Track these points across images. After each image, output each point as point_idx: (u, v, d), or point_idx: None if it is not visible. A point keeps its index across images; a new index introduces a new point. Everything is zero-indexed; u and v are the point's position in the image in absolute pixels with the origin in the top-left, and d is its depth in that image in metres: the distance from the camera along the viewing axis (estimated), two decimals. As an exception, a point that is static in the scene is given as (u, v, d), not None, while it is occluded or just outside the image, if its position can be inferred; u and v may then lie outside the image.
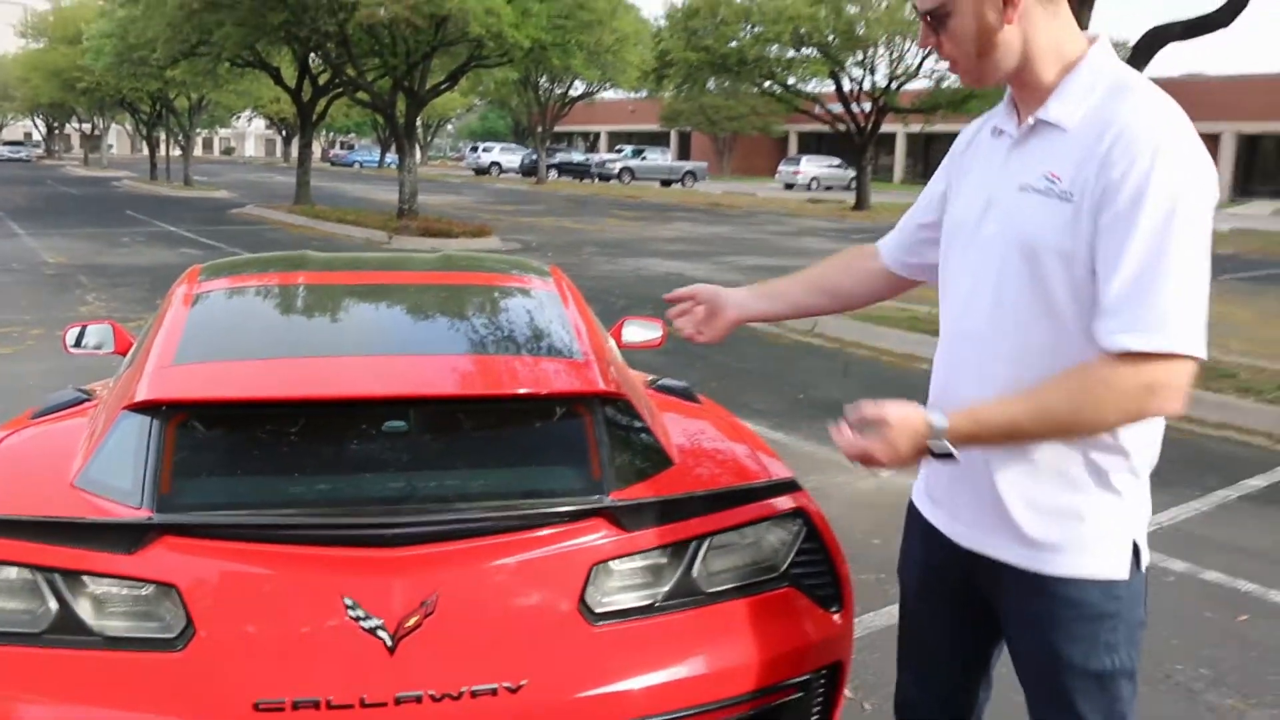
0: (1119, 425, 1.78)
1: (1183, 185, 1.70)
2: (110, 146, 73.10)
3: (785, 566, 2.48)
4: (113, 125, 64.10)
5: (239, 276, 3.57)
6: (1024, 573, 1.89)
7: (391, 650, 2.09)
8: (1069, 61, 1.84)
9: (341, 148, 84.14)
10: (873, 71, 33.87)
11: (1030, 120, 1.86)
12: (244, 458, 2.54)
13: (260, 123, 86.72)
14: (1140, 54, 10.42)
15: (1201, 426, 7.78)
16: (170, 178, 42.86)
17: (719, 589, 2.39)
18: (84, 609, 2.13)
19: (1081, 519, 1.85)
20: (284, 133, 70.94)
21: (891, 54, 33.57)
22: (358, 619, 2.10)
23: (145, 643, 2.12)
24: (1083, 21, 9.93)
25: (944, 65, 27.67)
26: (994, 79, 1.89)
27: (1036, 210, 1.81)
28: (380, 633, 2.09)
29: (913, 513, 2.18)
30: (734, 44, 32.45)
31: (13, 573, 2.15)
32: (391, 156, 70.23)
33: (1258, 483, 6.47)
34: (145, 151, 48.95)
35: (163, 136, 45.44)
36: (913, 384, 8.83)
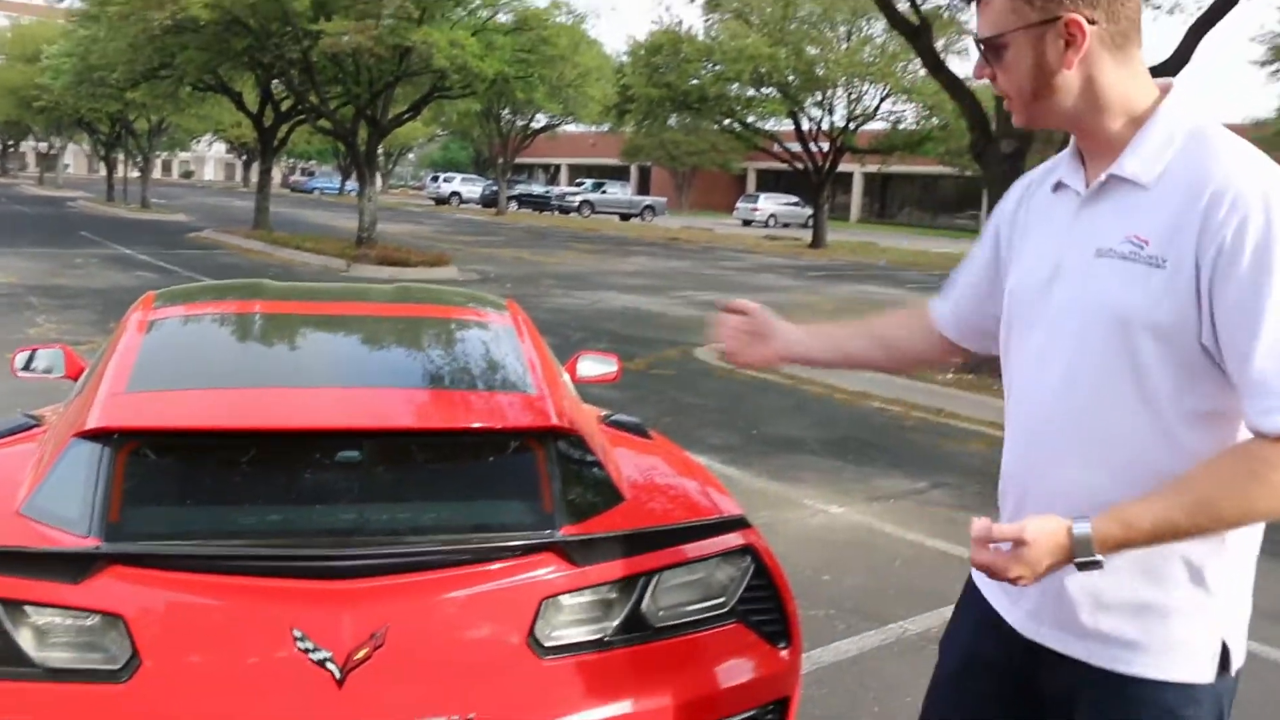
0: None
1: None
2: (67, 166, 72.33)
3: (734, 603, 2.51)
4: (70, 145, 63.46)
5: (195, 304, 3.57)
6: (1093, 669, 1.72)
7: (340, 683, 2.10)
8: (1140, 113, 1.68)
9: (302, 174, 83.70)
10: (831, 112, 34.30)
11: (1102, 176, 1.70)
12: (195, 488, 2.54)
13: (221, 147, 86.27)
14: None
15: None
16: (127, 199, 42.43)
17: (668, 624, 2.41)
18: (25, 639, 2.11)
19: (1164, 616, 1.67)
20: (244, 157, 70.57)
21: (850, 95, 34.01)
22: (307, 651, 2.10)
23: (89, 674, 2.10)
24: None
25: (902, 108, 27.80)
26: (1050, 123, 1.76)
27: (1120, 278, 1.63)
28: (329, 665, 2.10)
29: (970, 593, 1.98)
30: (695, 81, 32.71)
31: None
32: (352, 184, 69.92)
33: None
34: (102, 172, 48.47)
35: (121, 158, 45.06)
36: (864, 420, 8.93)
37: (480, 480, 2.67)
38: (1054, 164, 1.88)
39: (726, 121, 35.44)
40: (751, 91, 33.65)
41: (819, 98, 33.93)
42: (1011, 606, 1.83)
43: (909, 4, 11.86)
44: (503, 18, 23.16)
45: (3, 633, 2.10)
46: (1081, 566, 1.58)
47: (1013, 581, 1.58)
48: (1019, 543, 1.57)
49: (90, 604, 2.11)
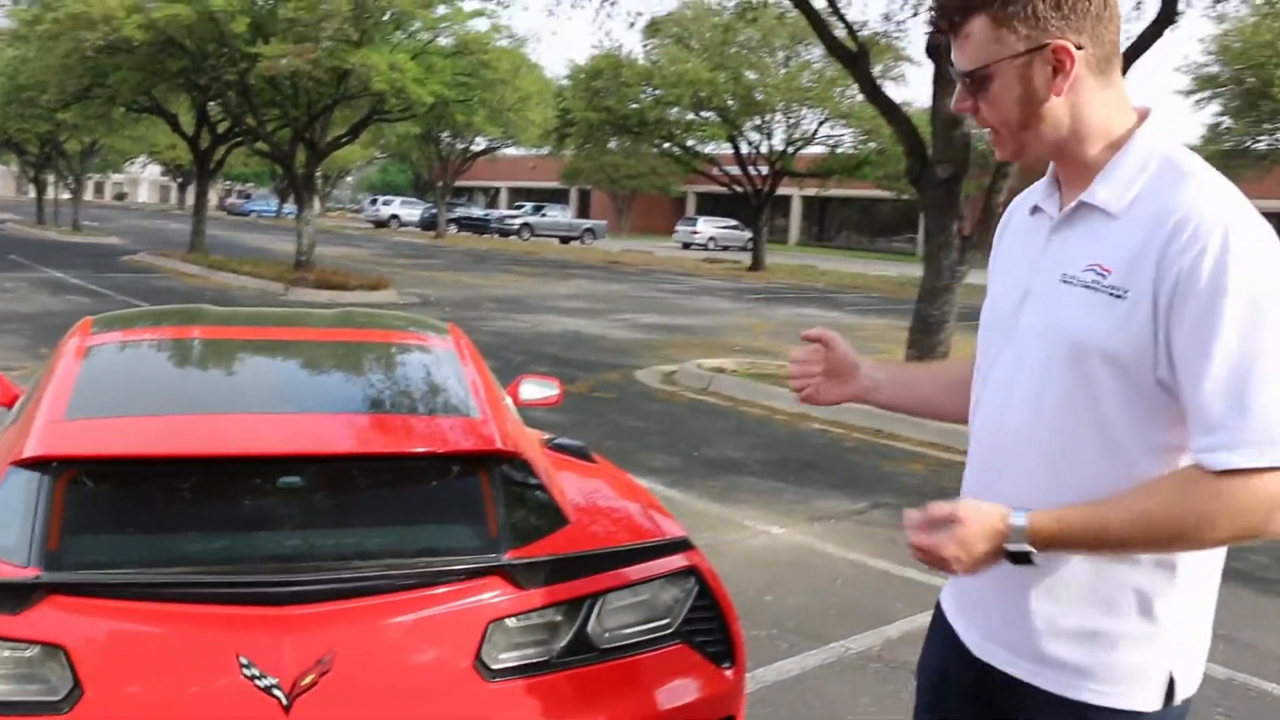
0: (1230, 543, 1.59)
1: (1260, 274, 1.52)
2: (-6, 188, 70.96)
3: (678, 624, 2.54)
4: (-2, 166, 62.33)
5: (134, 329, 3.54)
6: (1045, 694, 1.73)
7: (287, 709, 2.09)
8: (1118, 138, 1.67)
9: (238, 196, 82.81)
10: (770, 136, 34.62)
11: (1073, 203, 1.70)
12: (136, 515, 2.52)
13: (155, 169, 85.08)
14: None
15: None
16: (58, 222, 41.72)
17: (613, 645, 2.44)
18: None
19: (1112, 645, 1.68)
20: (179, 179, 69.72)
21: (788, 119, 34.36)
22: (253, 678, 2.10)
23: (28, 706, 2.08)
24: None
25: (840, 133, 28.08)
26: (1036, 154, 1.73)
27: (1081, 306, 1.64)
28: (275, 691, 2.10)
29: (938, 616, 1.99)
30: (635, 105, 32.92)
31: None
32: (289, 206, 69.38)
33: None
34: (31, 194, 47.59)
35: (51, 179, 44.31)
36: (803, 441, 9.01)
37: (425, 504, 2.68)
38: (1033, 190, 1.87)
39: (666, 145, 35.66)
40: (691, 115, 33.89)
41: (758, 122, 34.23)
42: (968, 627, 1.86)
43: (846, 31, 12.04)
44: (443, 41, 23.16)
45: None
46: (1013, 557, 1.60)
47: (947, 565, 1.60)
48: (953, 521, 1.58)
49: (30, 635, 2.09)
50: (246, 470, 2.58)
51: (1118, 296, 1.59)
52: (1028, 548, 1.59)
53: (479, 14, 22.49)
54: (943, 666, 1.94)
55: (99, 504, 2.50)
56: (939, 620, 1.97)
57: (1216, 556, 1.70)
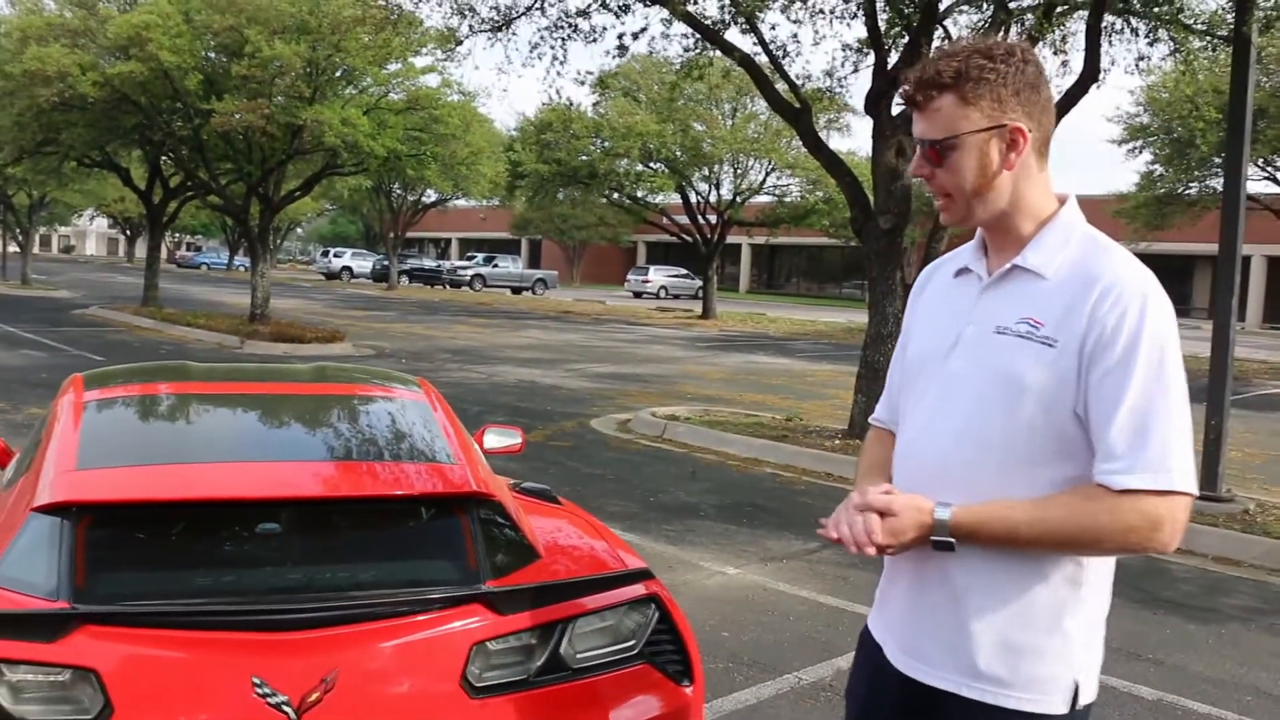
0: (1114, 554, 1.88)
1: (1163, 333, 1.83)
2: (-62, 243, 70.13)
3: (641, 646, 2.81)
4: (-58, 221, 61.62)
5: (126, 386, 3.76)
6: (969, 702, 1.93)
7: (295, 723, 2.34)
8: (1045, 217, 1.95)
9: (188, 249, 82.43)
10: (718, 186, 35.20)
11: (1007, 265, 1.95)
12: (152, 553, 2.76)
13: (102, 221, 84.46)
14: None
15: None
16: (6, 275, 41.43)
17: (584, 665, 2.70)
18: (4, 695, 2.32)
19: (1027, 657, 1.90)
20: (128, 232, 69.16)
21: (736, 170, 34.95)
22: (265, 696, 2.34)
23: None
24: (905, 150, 10.79)
25: (787, 182, 28.55)
26: (978, 220, 1.98)
27: (1016, 353, 1.89)
28: (285, 708, 2.34)
29: (865, 642, 2.19)
30: (585, 157, 33.34)
31: None
32: (240, 259, 69.16)
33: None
34: (-26, 248, 47.15)
35: (-2, 233, 44.04)
36: (756, 485, 9.31)
37: (411, 541, 2.94)
38: (954, 256, 2.13)
39: (616, 195, 36.12)
40: (640, 166, 34.38)
41: (706, 172, 34.82)
42: (897, 649, 2.06)
43: (789, 87, 12.47)
44: (395, 96, 23.48)
45: None
46: (936, 545, 1.88)
47: (880, 550, 1.86)
48: (887, 513, 1.86)
49: (66, 660, 2.32)
50: (251, 512, 2.83)
51: (1049, 345, 1.86)
52: (950, 539, 1.86)
53: (430, 70, 22.86)
54: (871, 689, 2.15)
55: (117, 544, 2.73)
56: (865, 645, 2.18)
57: (1109, 580, 1.97)
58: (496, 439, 4.69)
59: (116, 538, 2.74)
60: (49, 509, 2.67)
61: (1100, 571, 1.95)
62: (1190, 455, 1.82)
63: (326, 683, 2.38)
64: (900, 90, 2.02)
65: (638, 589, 2.86)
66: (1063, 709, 1.92)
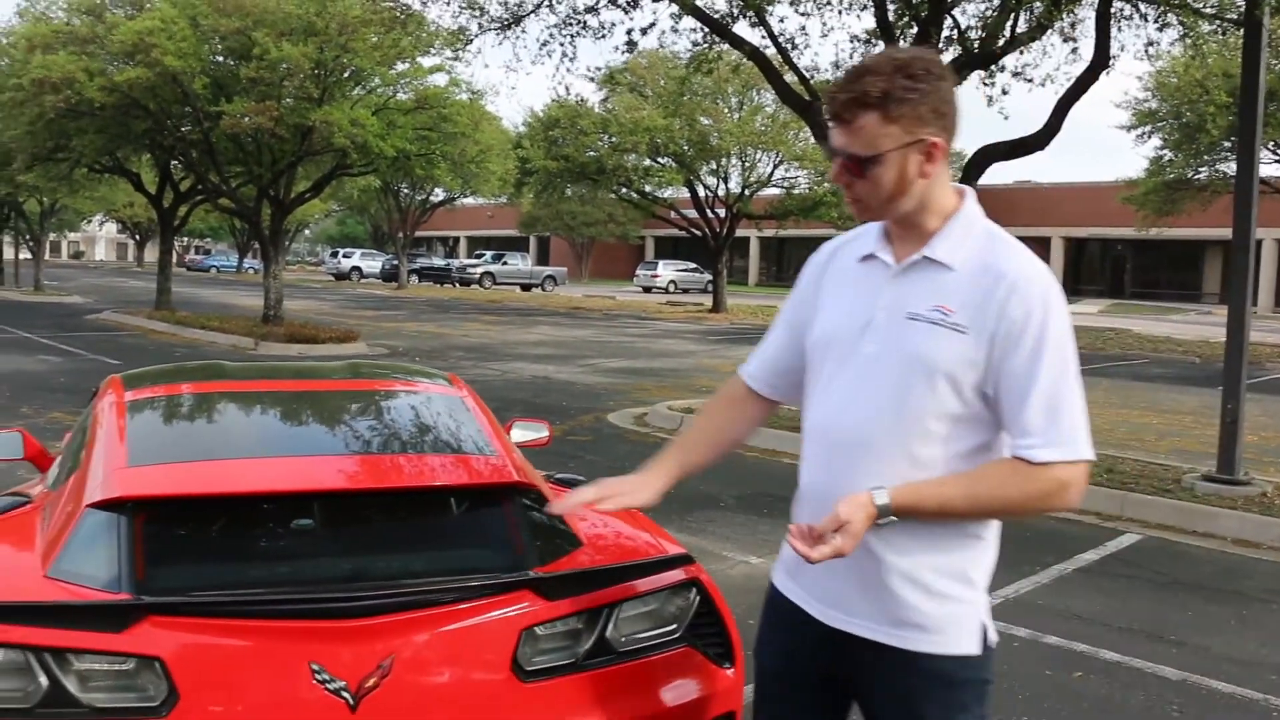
0: (1032, 514, 2.12)
1: (1063, 324, 2.07)
2: (-51, 251, 70.46)
3: (684, 629, 2.88)
4: (-48, 229, 61.90)
5: (165, 386, 3.83)
6: (893, 649, 2.13)
7: (353, 708, 2.41)
8: (948, 210, 2.14)
9: (197, 252, 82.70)
10: (726, 180, 35.26)
11: (916, 256, 2.13)
12: (208, 546, 2.83)
13: (111, 226, 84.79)
14: (972, 169, 11.37)
15: (1039, 511, 8.47)
16: (19, 282, 41.65)
17: (629, 649, 2.77)
18: (72, 684, 2.39)
19: (945, 604, 2.12)
20: (137, 236, 69.45)
21: (744, 163, 34.99)
22: (323, 682, 2.41)
23: (131, 711, 2.39)
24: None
25: (795, 174, 28.64)
26: (889, 218, 2.16)
27: (928, 337, 2.07)
28: (344, 693, 2.41)
29: (775, 598, 2.37)
30: (592, 153, 33.40)
31: (7, 655, 2.39)
32: (249, 261, 69.43)
33: (1089, 557, 7.16)
34: (-11, 255, 47.40)
35: (8, 240, 44.19)
36: (774, 475, 9.36)
37: (460, 530, 3.01)
38: (855, 236, 2.31)
39: (624, 190, 36.17)
40: (648, 161, 34.44)
41: (714, 166, 34.88)
42: (824, 609, 2.23)
43: (798, 79, 12.52)
44: (403, 96, 23.53)
45: (53, 679, 2.37)
46: (879, 525, 2.06)
47: (844, 554, 2.00)
48: (841, 525, 2.00)
49: (133, 649, 2.39)
50: (302, 504, 2.90)
51: (959, 331, 2.06)
52: (892, 518, 2.05)
53: (438, 69, 22.92)
54: (786, 641, 2.33)
55: (173, 538, 2.80)
56: (776, 604, 2.36)
57: (998, 534, 2.20)
58: (524, 433, 4.76)
59: (172, 531, 2.80)
60: (104, 505, 2.74)
61: (994, 526, 2.19)
62: (1087, 428, 2.08)
63: (383, 668, 2.45)
64: (826, 103, 2.15)
65: (679, 573, 2.93)
66: (976, 650, 2.15)
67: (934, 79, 2.06)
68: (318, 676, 2.42)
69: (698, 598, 2.92)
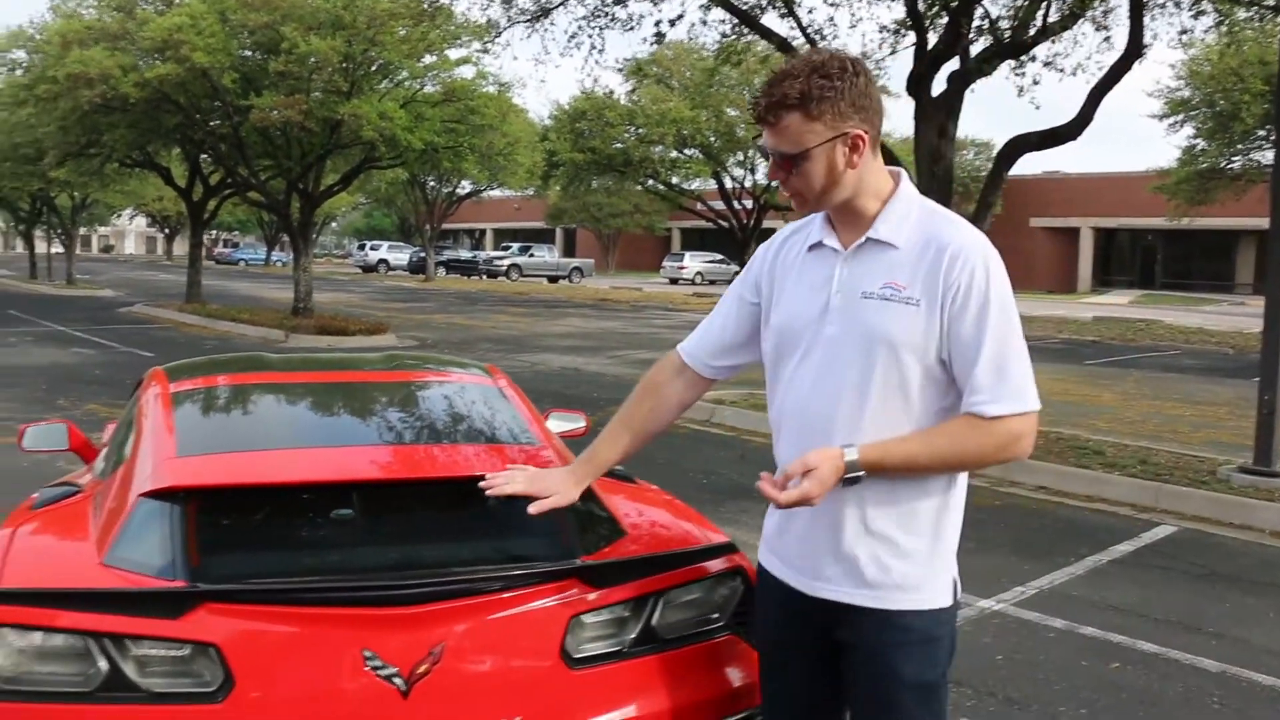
0: (990, 464, 2.29)
1: (1004, 286, 2.22)
2: (-20, 246, 71.21)
3: (728, 617, 2.89)
4: (-16, 224, 62.55)
5: (208, 377, 3.88)
6: (870, 610, 2.28)
7: (405, 695, 2.44)
8: (885, 194, 2.29)
9: (226, 245, 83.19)
10: (753, 171, 35.11)
11: (861, 239, 2.28)
12: (260, 535, 2.87)
13: (141, 220, 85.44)
14: (1003, 160, 11.31)
15: (1074, 500, 8.45)
16: (51, 276, 42.03)
17: (675, 636, 2.78)
18: (131, 669, 2.43)
19: (917, 563, 2.28)
20: (165, 230, 69.90)
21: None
22: (376, 668, 2.44)
23: (188, 697, 2.42)
24: (947, 131, 10.77)
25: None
26: (827, 208, 2.32)
27: (884, 313, 2.22)
28: (396, 680, 2.44)
29: (762, 574, 2.54)
30: (619, 145, 33.39)
31: (68, 640, 2.44)
32: (278, 254, 69.77)
33: (1124, 548, 7.13)
34: (18, 249, 47.87)
35: (40, 234, 44.59)
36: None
37: (507, 518, 3.02)
38: (800, 227, 2.46)
39: (651, 182, 36.15)
40: (675, 153, 34.40)
41: (741, 157, 34.75)
42: (800, 578, 2.38)
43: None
44: (430, 88, 23.58)
45: (112, 663, 2.41)
46: (847, 482, 2.19)
47: (811, 501, 2.14)
48: (808, 470, 2.14)
49: (189, 635, 2.43)
50: (351, 493, 2.93)
51: (912, 304, 2.21)
52: (861, 473, 2.19)
53: (465, 61, 22.95)
54: (779, 616, 2.47)
55: (225, 526, 2.84)
56: (766, 581, 2.51)
57: (964, 494, 2.35)
58: (561, 423, 4.78)
59: (224, 520, 2.84)
60: (156, 494, 2.78)
61: (961, 486, 2.34)
62: (1032, 380, 2.22)
63: (434, 655, 2.48)
64: (751, 106, 2.28)
65: (724, 562, 2.94)
66: (948, 602, 2.32)
67: (849, 75, 2.18)
68: (370, 663, 2.45)
69: (742, 586, 2.93)
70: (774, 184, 2.39)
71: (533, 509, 2.59)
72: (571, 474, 2.71)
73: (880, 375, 2.23)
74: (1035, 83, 12.38)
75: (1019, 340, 2.22)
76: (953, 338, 2.21)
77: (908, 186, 2.33)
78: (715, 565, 2.92)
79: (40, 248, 44.72)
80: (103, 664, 2.42)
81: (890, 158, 11.85)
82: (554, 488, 2.64)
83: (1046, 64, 12.20)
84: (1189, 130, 28.07)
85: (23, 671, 2.41)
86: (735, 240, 35.87)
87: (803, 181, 2.25)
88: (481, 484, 2.67)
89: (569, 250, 69.70)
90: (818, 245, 2.37)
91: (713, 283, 51.37)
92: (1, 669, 2.40)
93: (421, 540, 2.92)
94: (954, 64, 11.07)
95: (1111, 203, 51.31)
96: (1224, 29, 11.47)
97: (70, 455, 4.93)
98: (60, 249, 42.92)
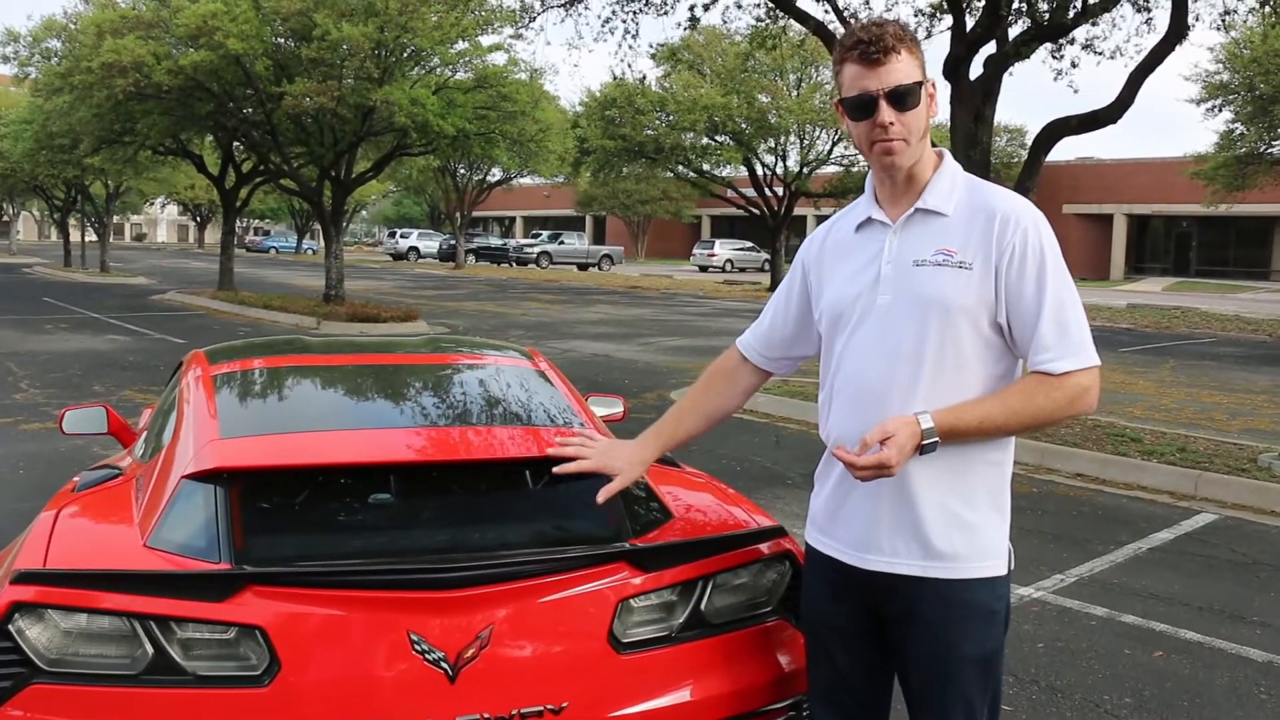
0: (1061, 420, 2.30)
1: (1056, 247, 2.28)
2: (17, 233, 71.85)
3: (776, 601, 2.85)
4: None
5: (248, 360, 3.86)
6: (930, 581, 2.29)
7: (452, 679, 2.41)
8: (935, 163, 2.36)
9: (257, 233, 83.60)
10: (784, 157, 34.98)
11: (910, 210, 2.33)
12: (304, 517, 2.84)
13: (173, 208, 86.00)
14: (1041, 145, 11.17)
15: (1112, 487, 8.35)
16: (85, 264, 42.38)
17: (723, 621, 2.74)
18: (176, 652, 2.41)
19: (975, 532, 2.29)
20: (197, 218, 70.34)
21: (803, 141, 34.68)
22: (422, 652, 2.41)
23: (234, 680, 2.40)
24: (984, 116, 10.64)
25: (854, 152, 28.65)
26: (911, 162, 2.32)
27: (937, 278, 2.26)
28: (442, 664, 2.41)
29: (811, 555, 2.55)
30: (650, 132, 33.29)
31: (113, 622, 2.42)
32: (309, 242, 70.08)
33: (1164, 536, 7.03)
34: (54, 237, 48.31)
35: (74, 222, 44.94)
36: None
37: (555, 501, 2.99)
38: (845, 213, 2.52)
39: (682, 169, 36.04)
40: (706, 140, 34.28)
41: (772, 144, 34.61)
42: (852, 552, 2.38)
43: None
44: (462, 75, 23.57)
45: (158, 647, 2.40)
46: (923, 450, 2.20)
47: (890, 470, 2.14)
48: (886, 438, 2.14)
49: (235, 618, 2.41)
50: (397, 476, 2.90)
51: (966, 268, 2.25)
52: (936, 439, 2.20)
53: (497, 48, 22.93)
54: (830, 593, 2.48)
55: (269, 509, 2.81)
56: (814, 561, 2.53)
57: (1012, 464, 2.38)
58: (599, 408, 4.75)
59: (268, 503, 2.82)
60: (200, 476, 2.76)
61: (1010, 457, 2.37)
62: (1090, 335, 2.28)
63: (481, 639, 2.45)
64: (859, 46, 2.27)
65: (773, 546, 2.90)
66: (1004, 570, 2.34)
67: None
68: (417, 647, 2.42)
69: (790, 570, 2.89)
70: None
71: (601, 496, 2.65)
72: (641, 446, 2.78)
73: (935, 341, 2.26)
74: (1074, 65, 12.27)
75: (1075, 298, 2.27)
76: (1011, 299, 2.25)
77: (951, 160, 2.38)
78: (765, 549, 2.88)
79: (74, 236, 45.10)
80: (148, 646, 2.40)
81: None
82: (622, 463, 2.72)
83: (1085, 46, 12.07)
84: (1227, 114, 27.76)
85: (69, 653, 2.40)
86: (765, 227, 35.75)
87: (913, 120, 2.27)
88: (550, 450, 2.74)
89: (599, 237, 69.67)
90: (866, 223, 2.42)
91: (743, 270, 51.20)
92: (47, 650, 2.39)
93: (468, 523, 2.88)
94: (991, 47, 10.94)
95: (1145, 188, 50.79)
96: (1269, 10, 11.27)
97: (106, 440, 4.95)
98: (94, 237, 43.26)
